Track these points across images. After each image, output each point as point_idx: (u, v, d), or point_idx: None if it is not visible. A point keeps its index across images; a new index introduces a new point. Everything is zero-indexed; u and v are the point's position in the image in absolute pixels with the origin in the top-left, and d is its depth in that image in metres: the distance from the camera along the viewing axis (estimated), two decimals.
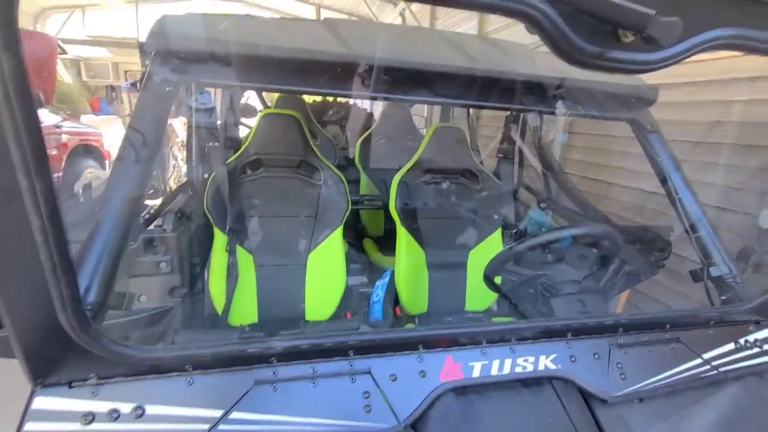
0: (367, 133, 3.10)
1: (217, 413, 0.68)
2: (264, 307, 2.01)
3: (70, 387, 0.67)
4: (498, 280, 1.70)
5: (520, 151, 2.25)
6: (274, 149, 2.03)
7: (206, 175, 2.10)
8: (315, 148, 2.10)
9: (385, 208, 2.95)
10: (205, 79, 1.01)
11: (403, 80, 1.20)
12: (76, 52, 9.01)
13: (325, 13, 9.28)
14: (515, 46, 1.41)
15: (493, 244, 2.26)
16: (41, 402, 0.65)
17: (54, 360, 0.65)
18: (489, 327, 0.86)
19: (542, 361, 0.87)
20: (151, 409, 0.67)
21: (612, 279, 1.53)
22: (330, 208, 2.08)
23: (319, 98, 4.87)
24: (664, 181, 1.28)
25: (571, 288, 1.35)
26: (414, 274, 2.23)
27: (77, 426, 0.64)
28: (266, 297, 2.01)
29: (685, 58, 0.61)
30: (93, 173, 4.64)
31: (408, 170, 2.21)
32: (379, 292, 2.19)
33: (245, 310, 1.98)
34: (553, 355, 0.89)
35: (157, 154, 0.97)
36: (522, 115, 2.24)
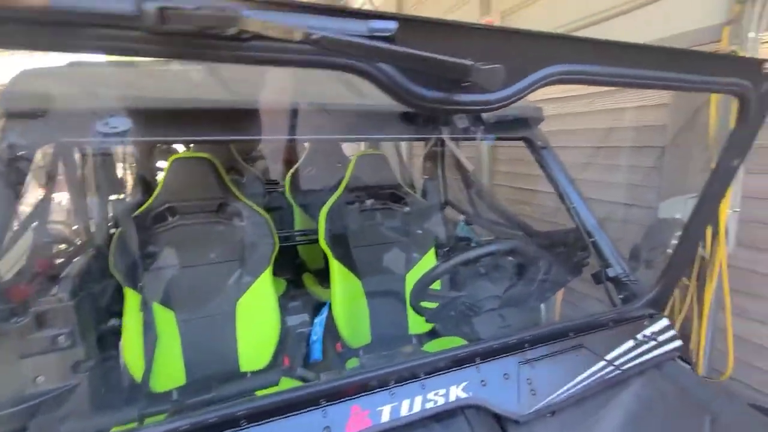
0: (296, 166, 3.07)
1: None
2: (192, 365, 1.85)
3: None
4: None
5: (443, 170, 2.33)
6: (187, 195, 1.93)
7: (112, 231, 1.93)
8: (234, 189, 2.02)
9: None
10: (69, 139, 0.93)
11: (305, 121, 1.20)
12: None
13: None
14: None
15: (428, 265, 2.28)
16: None
17: None
18: (396, 366, 0.83)
19: (453, 391, 0.87)
20: None
21: (535, 287, 1.59)
22: (256, 249, 2.00)
23: None
24: (559, 193, 1.36)
25: (492, 304, 1.38)
26: (352, 306, 2.19)
27: None
28: (194, 354, 1.86)
29: (527, 94, 0.65)
30: None
31: (335, 201, 2.20)
32: (317, 329, 2.12)
33: (170, 373, 1.82)
34: (464, 383, 0.88)
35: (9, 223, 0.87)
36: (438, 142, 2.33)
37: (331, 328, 2.14)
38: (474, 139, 1.34)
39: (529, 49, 0.62)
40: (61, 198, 2.00)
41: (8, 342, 1.39)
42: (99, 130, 0.88)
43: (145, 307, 1.75)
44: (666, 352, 1.10)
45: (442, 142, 2.43)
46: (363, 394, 0.81)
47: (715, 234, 2.11)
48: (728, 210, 2.09)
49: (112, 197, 1.84)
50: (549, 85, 0.66)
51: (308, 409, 0.76)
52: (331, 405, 0.78)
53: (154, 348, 1.74)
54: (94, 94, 0.96)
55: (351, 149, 3.62)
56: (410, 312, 2.27)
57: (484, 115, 1.36)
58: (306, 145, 3.16)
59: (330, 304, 2.12)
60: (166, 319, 1.82)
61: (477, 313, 1.34)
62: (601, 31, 2.73)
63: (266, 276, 1.97)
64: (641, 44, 0.72)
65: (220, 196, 1.98)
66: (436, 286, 2.13)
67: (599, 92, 2.84)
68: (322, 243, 2.11)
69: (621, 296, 1.24)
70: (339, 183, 2.27)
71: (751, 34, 1.91)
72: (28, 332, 1.43)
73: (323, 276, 2.91)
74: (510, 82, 0.60)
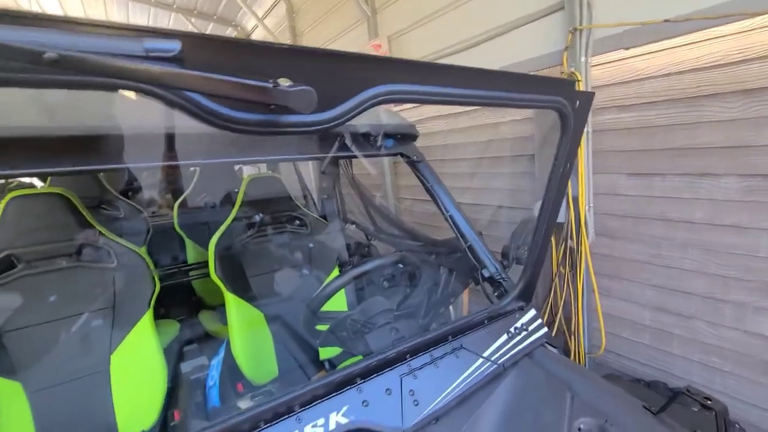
0: (184, 195, 2.82)
1: None
2: None
3: None
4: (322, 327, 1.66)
5: (339, 188, 2.33)
6: (33, 239, 1.63)
7: None
8: (99, 227, 1.77)
9: None
10: None
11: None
12: None
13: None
14: None
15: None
16: None
17: None
18: (265, 405, 0.77)
19: (333, 418, 0.83)
20: None
21: (430, 297, 1.65)
22: (131, 293, 1.76)
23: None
24: (435, 202, 1.44)
25: (385, 318, 1.39)
26: (254, 340, 2.04)
27: None
28: (53, 428, 1.55)
29: (354, 115, 0.66)
30: None
31: (224, 230, 2.05)
32: (214, 374, 1.93)
33: None
34: (344, 408, 0.85)
35: None
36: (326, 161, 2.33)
37: (231, 367, 1.96)
38: (353, 156, 1.35)
39: (351, 70, 0.63)
40: None
41: None
42: None
43: None
44: (535, 340, 1.20)
45: (337, 160, 2.44)
46: None
47: (578, 228, 2.44)
48: (585, 206, 2.43)
49: None
50: (378, 104, 0.68)
51: None
52: None
53: None
54: None
55: (249, 172, 3.44)
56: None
57: (360, 133, 1.38)
58: (194, 170, 2.92)
59: (227, 342, 1.95)
60: (10, 394, 1.49)
61: (371, 330, 1.33)
62: (474, 54, 3.03)
63: (145, 322, 1.74)
64: (466, 67, 0.79)
65: (79, 236, 1.71)
66: (341, 307, 2.09)
67: (480, 109, 3.13)
68: (213, 276, 1.94)
69: (496, 294, 1.34)
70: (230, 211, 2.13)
71: (582, 58, 2.28)
72: None
73: (223, 312, 2.69)
74: (334, 104, 0.61)
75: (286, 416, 0.79)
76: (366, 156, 1.40)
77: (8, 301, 1.56)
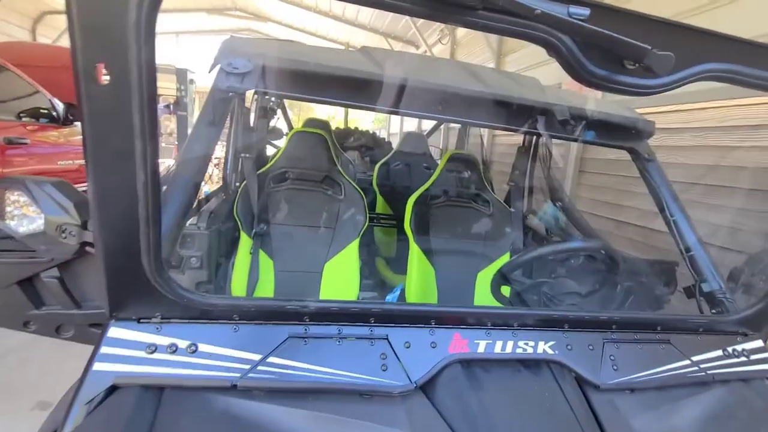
0: (386, 158, 3.31)
1: (257, 357, 0.80)
2: None
3: (139, 322, 0.80)
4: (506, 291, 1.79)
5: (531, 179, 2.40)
6: (301, 164, 2.22)
7: (237, 183, 2.29)
8: (338, 166, 2.29)
9: (399, 227, 3.08)
10: (266, 89, 1.20)
11: (429, 101, 1.39)
12: None
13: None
14: (527, 78, 1.61)
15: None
16: (115, 332, 0.78)
17: (129, 298, 0.78)
18: (493, 310, 0.96)
19: (541, 345, 0.97)
20: (203, 347, 0.79)
21: (612, 299, 1.62)
22: (348, 221, 2.23)
23: (341, 126, 5.21)
24: (661, 206, 1.40)
25: (572, 300, 1.45)
26: (423, 291, 2.32)
27: (142, 354, 0.77)
28: (284, 295, 2.11)
29: (682, 84, 0.76)
30: None
31: (422, 192, 2.37)
32: (390, 300, 2.29)
33: None
34: (551, 342, 0.98)
35: (212, 148, 1.16)
36: (533, 145, 2.41)
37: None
38: (583, 141, 1.43)
39: (693, 43, 0.73)
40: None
41: None
42: (223, 69, 1.11)
43: (253, 251, 2.05)
44: (757, 371, 1.10)
45: (533, 151, 2.50)
46: (465, 326, 0.95)
47: None
48: None
49: (244, 155, 2.19)
50: (704, 80, 0.76)
51: (420, 325, 0.92)
52: (438, 327, 0.93)
53: (255, 287, 2.03)
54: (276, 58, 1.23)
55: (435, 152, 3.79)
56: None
57: (595, 120, 1.44)
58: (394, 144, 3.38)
59: (403, 285, 2.27)
60: (266, 266, 2.11)
61: (556, 305, 1.41)
62: None
63: (353, 246, 2.20)
64: None
65: (326, 169, 2.26)
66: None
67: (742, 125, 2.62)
68: (407, 227, 2.28)
69: (713, 311, 1.25)
70: (422, 181, 2.44)
71: None
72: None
73: (393, 264, 3.09)
74: (671, 72, 0.72)
75: (505, 327, 0.97)
76: (599, 144, 1.45)
77: (278, 202, 2.19)
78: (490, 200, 2.42)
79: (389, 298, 2.32)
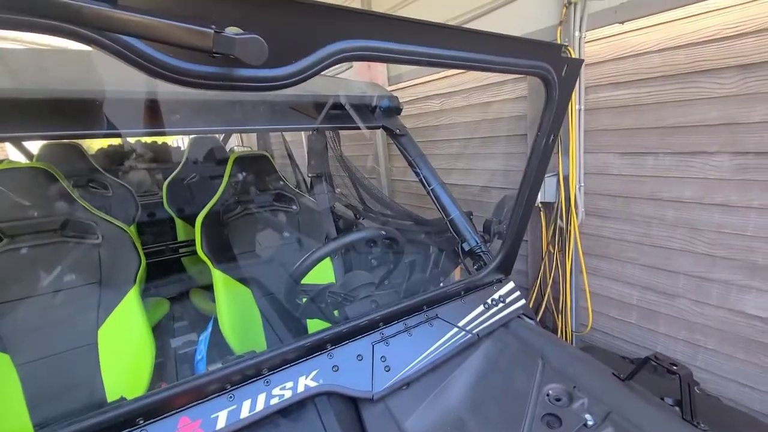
0: (174, 173, 2.80)
1: None
2: (41, 413, 1.57)
3: None
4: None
5: (327, 165, 2.31)
6: (17, 214, 1.63)
7: None
8: (83, 203, 1.76)
9: None
10: None
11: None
12: None
13: None
14: None
15: (326, 261, 2.24)
16: None
17: None
18: (233, 367, 0.78)
19: (302, 382, 0.84)
20: None
21: (413, 272, 1.65)
22: (117, 268, 1.76)
23: (116, 141, 4.26)
24: (418, 175, 1.43)
25: (366, 291, 1.39)
26: (242, 316, 2.06)
27: None
28: (44, 400, 1.57)
29: (319, 71, 0.63)
30: None
31: (211, 208, 2.05)
32: (201, 348, 1.95)
33: (11, 427, 1.52)
34: (313, 372, 0.86)
35: None
36: (327, 134, 2.31)
37: (219, 343, 1.99)
38: (337, 128, 1.33)
39: (311, 22, 0.60)
40: None
41: None
42: None
43: None
44: (512, 311, 1.21)
45: (328, 135, 2.41)
46: (195, 403, 0.74)
47: (568, 207, 2.43)
48: (575, 185, 2.41)
49: None
50: (342, 61, 0.65)
51: (129, 429, 0.67)
52: (153, 422, 0.69)
53: None
54: None
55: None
56: None
57: (344, 105, 1.36)
58: (183, 149, 2.90)
59: (215, 319, 1.97)
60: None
61: (351, 302, 1.34)
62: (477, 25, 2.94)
63: (132, 296, 1.76)
64: (443, 24, 0.75)
65: (65, 212, 1.71)
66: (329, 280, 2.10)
67: (475, 87, 3.07)
68: (200, 253, 1.95)
69: (476, 267, 1.34)
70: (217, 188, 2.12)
71: (576, 33, 2.23)
72: None
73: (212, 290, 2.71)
74: (291, 59, 0.59)
75: (254, 379, 0.80)
76: (345, 128, 1.38)
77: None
78: (293, 197, 2.26)
79: (201, 338, 1.98)
